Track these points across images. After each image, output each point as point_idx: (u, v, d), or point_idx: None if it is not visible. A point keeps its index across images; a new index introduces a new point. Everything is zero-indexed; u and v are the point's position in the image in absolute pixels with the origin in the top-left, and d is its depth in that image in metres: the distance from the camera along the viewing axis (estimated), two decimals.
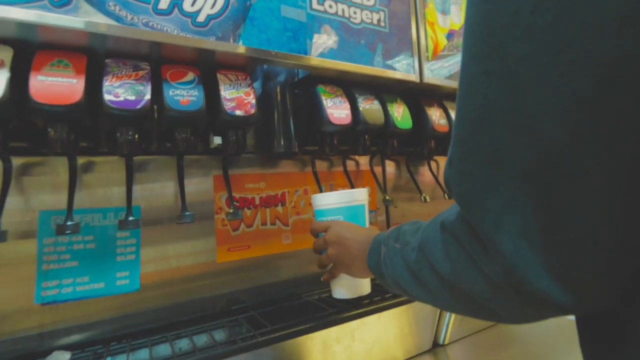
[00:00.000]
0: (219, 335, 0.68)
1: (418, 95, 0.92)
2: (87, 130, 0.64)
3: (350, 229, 0.59)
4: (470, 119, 0.28)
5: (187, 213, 0.67)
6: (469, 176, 0.29)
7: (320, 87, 0.76)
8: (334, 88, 0.78)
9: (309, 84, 0.78)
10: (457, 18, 0.93)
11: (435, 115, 0.90)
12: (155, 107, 0.62)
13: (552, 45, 0.23)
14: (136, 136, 0.61)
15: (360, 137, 0.81)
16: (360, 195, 0.66)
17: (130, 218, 0.62)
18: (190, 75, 0.63)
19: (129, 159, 0.65)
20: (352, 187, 0.91)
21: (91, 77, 0.55)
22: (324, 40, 0.72)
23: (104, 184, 0.71)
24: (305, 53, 0.70)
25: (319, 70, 0.73)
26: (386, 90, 0.86)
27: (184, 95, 0.61)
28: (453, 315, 0.86)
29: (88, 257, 0.68)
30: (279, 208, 0.86)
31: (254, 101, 0.66)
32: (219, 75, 0.66)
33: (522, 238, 0.26)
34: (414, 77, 0.84)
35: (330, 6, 0.73)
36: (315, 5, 0.71)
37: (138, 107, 0.56)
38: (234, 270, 0.80)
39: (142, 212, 0.72)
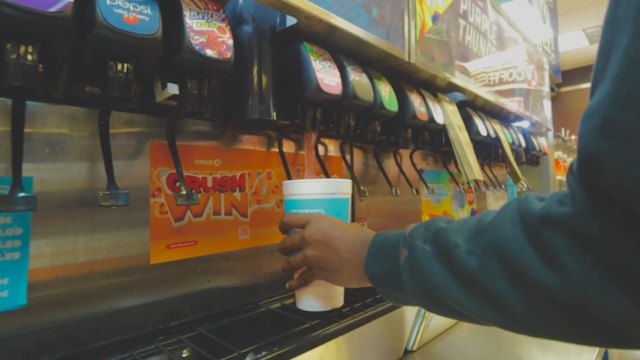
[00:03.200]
0: None
1: (396, 77, 0.83)
2: None
3: (338, 226, 0.47)
4: None
5: (117, 192, 0.45)
6: None
7: (307, 45, 0.61)
8: (320, 49, 0.63)
9: (289, 40, 0.62)
10: (442, 2, 0.87)
11: (417, 101, 0.82)
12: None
13: None
14: (40, 65, 0.38)
15: (345, 113, 0.68)
16: (346, 187, 0.54)
17: (21, 194, 0.38)
18: None
19: (19, 102, 0.42)
20: (327, 175, 0.77)
21: None
22: None
23: None
24: None
25: (313, 21, 0.58)
26: (368, 63, 0.75)
27: (129, 9, 0.40)
28: (425, 321, 0.79)
29: None
30: (237, 194, 0.67)
31: (230, 42, 0.48)
32: None
33: None
34: (404, 55, 0.74)
35: None
36: None
37: (53, 9, 0.34)
38: (174, 273, 0.59)
39: (35, 187, 0.48)
